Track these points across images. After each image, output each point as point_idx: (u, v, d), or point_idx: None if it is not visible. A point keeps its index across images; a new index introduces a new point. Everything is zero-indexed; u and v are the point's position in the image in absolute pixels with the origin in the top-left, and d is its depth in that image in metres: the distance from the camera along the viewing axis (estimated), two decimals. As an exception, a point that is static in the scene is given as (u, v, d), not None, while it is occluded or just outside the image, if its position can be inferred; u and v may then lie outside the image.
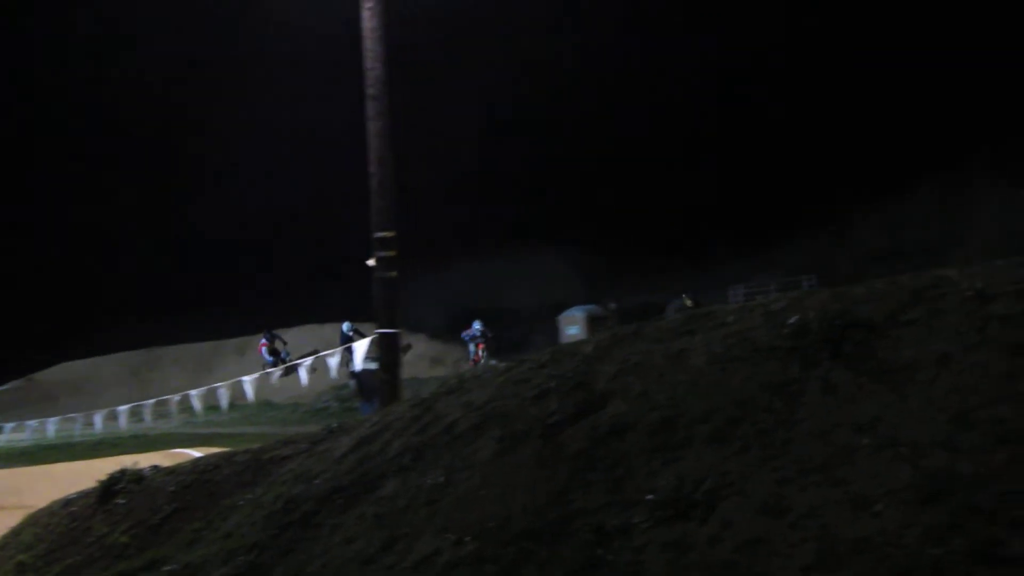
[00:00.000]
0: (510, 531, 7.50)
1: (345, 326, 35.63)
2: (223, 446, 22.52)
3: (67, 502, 15.54)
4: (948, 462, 6.18)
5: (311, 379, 33.92)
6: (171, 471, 14.77)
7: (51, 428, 46.38)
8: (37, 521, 15.83)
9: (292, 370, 36.37)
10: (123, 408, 42.52)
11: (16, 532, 16.06)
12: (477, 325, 44.19)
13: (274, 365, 41.22)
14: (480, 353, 43.55)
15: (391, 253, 19.22)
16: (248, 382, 35.87)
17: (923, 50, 62.33)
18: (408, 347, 32.14)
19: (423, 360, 50.42)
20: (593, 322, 48.11)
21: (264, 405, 46.12)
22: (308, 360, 34.05)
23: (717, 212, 66.48)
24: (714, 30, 70.33)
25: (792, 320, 8.45)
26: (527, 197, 71.01)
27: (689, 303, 33.84)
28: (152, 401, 42.34)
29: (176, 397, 40.14)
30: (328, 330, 49.09)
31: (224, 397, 37.06)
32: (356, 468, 10.28)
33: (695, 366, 8.63)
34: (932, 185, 59.28)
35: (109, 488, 14.56)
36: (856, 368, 7.52)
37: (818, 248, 61.48)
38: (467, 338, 44.60)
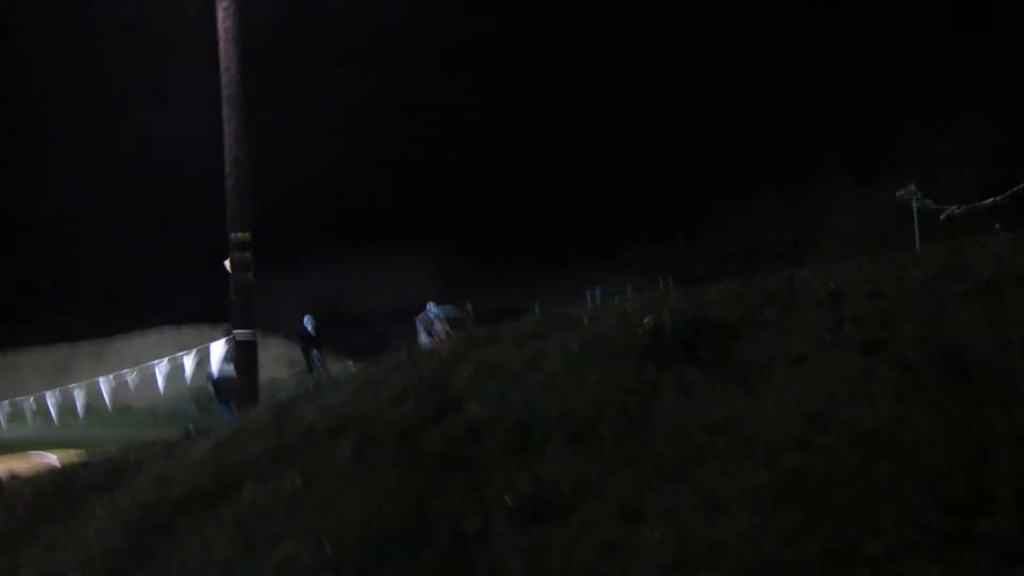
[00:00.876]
0: (369, 535, 7.45)
1: (306, 319, 34.71)
2: (80, 450, 22.09)
3: (-81, 508, 15.21)
4: (803, 463, 6.25)
5: (166, 384, 33.34)
6: (27, 477, 14.52)
7: (-99, 433, 45.28)
8: None
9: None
10: (-25, 412, 41.64)
11: None
12: (433, 308, 39.85)
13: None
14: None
15: (247, 255, 19.03)
16: (104, 385, 35.22)
17: (774, 52, 63.41)
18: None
19: (280, 362, 49.83)
20: (450, 324, 47.40)
21: (122, 409, 45.36)
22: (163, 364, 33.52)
23: (574, 215, 66.99)
24: (572, 33, 70.81)
25: (647, 321, 8.49)
26: (385, 199, 70.99)
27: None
28: (5, 403, 41.52)
29: (30, 400, 39.34)
30: (185, 332, 48.42)
31: (80, 400, 36.38)
32: (214, 472, 10.16)
33: (551, 368, 8.65)
34: (785, 186, 60.28)
35: (-36, 494, 14.27)
36: (711, 369, 7.59)
37: (674, 250, 62.17)
38: (432, 317, 39.88)
